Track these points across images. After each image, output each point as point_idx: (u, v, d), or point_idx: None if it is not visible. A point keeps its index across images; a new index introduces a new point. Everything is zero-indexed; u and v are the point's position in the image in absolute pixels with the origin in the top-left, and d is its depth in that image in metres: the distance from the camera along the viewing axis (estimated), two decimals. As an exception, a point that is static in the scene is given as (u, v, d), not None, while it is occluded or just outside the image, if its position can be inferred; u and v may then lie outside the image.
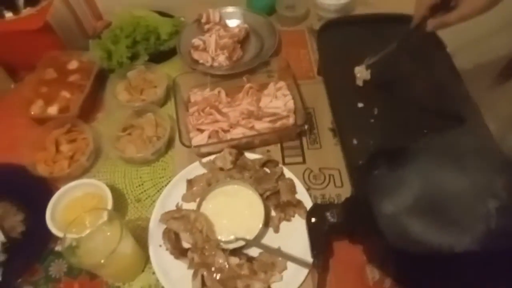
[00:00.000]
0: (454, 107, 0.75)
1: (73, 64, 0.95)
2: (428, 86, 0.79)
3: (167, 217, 0.70)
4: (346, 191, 0.76)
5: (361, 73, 0.78)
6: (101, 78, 0.96)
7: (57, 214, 0.71)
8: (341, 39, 0.87)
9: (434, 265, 0.57)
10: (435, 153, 0.65)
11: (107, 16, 1.14)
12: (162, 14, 1.08)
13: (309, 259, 0.65)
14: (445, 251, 0.57)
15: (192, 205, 0.73)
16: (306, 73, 0.97)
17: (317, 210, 0.68)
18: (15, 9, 0.92)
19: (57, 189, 0.73)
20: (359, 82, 0.79)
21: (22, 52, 0.95)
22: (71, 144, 0.83)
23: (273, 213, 0.72)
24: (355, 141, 0.72)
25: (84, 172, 0.82)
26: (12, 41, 0.93)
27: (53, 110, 0.87)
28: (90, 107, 0.92)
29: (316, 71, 0.97)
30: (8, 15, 0.92)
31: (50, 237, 0.70)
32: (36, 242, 0.71)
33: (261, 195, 0.71)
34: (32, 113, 0.87)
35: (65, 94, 0.89)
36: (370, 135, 0.72)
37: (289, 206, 0.72)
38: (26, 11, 0.93)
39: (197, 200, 0.73)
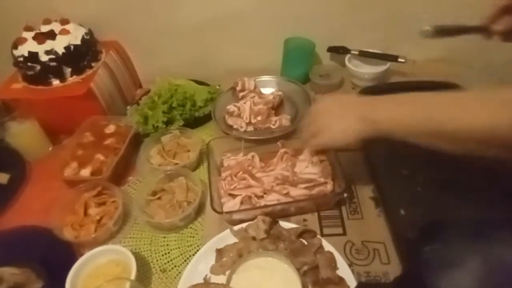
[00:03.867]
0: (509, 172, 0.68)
1: (110, 128, 0.97)
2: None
3: (194, 291, 0.64)
4: (394, 269, 0.67)
5: None
6: (136, 142, 0.97)
7: (79, 282, 0.67)
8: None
9: None
10: (496, 226, 0.58)
11: (147, 85, 1.19)
12: (199, 82, 1.11)
13: None
14: None
15: (221, 278, 0.66)
16: (342, 140, 0.93)
17: (363, 290, 0.60)
18: (62, 78, 0.98)
19: (81, 254, 0.70)
20: None
21: (65, 117, 0.98)
22: (99, 208, 0.81)
23: (311, 292, 0.64)
24: (402, 212, 0.66)
25: (110, 237, 0.78)
26: (56, 107, 0.96)
27: (85, 172, 0.86)
28: (123, 170, 0.92)
29: (353, 137, 0.93)
30: (55, 82, 0.98)
31: (67, 308, 0.65)
32: (52, 313, 0.66)
33: (297, 269, 0.64)
34: (65, 175, 0.87)
35: (99, 157, 0.89)
36: (418, 205, 0.66)
37: (329, 284, 0.64)
38: (72, 79, 0.98)
39: (227, 272, 0.66)
